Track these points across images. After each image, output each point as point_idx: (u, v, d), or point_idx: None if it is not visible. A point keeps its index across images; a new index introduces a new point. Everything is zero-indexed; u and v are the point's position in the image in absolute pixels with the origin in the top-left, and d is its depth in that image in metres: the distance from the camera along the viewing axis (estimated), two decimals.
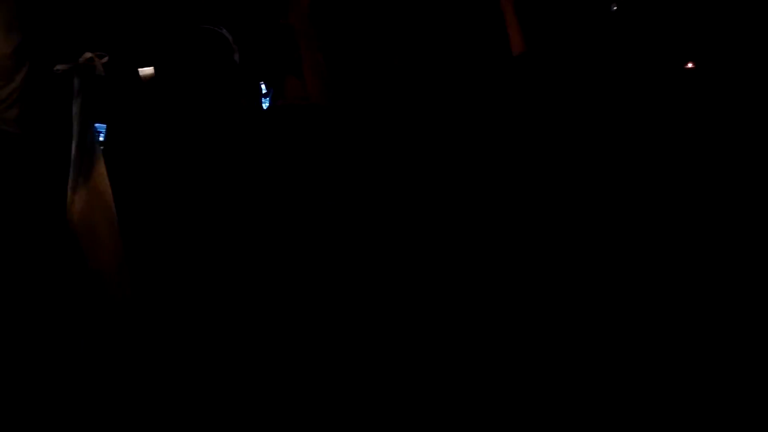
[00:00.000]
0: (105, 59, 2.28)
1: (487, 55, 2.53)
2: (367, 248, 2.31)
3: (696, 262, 2.30)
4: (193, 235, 2.25)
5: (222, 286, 2.21)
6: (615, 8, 2.58)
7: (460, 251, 2.35)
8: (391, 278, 2.29)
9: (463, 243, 2.36)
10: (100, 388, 2.14)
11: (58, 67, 2.27)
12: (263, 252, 2.25)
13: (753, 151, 2.37)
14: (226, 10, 2.53)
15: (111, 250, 2.21)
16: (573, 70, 2.46)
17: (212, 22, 2.42)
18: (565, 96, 2.43)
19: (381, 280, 2.29)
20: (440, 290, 2.31)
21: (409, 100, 2.49)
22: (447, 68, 2.54)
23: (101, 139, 2.40)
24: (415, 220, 2.36)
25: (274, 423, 2.13)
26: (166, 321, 2.18)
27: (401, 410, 2.15)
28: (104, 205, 2.24)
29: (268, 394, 2.16)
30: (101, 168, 2.24)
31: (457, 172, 2.42)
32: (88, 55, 2.27)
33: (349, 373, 2.20)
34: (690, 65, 2.62)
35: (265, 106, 2.58)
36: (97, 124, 2.34)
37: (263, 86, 2.58)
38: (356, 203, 2.35)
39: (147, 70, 2.44)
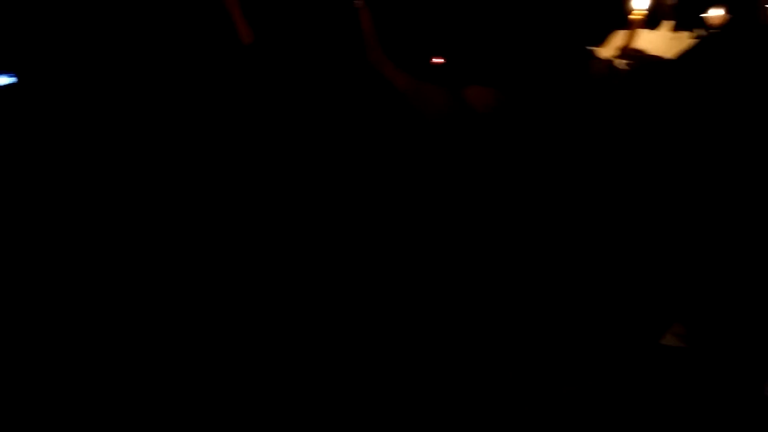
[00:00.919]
0: None
1: (219, 45, 2.77)
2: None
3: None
4: None
5: None
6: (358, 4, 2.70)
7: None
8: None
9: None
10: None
11: None
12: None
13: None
14: None
15: None
16: (306, 60, 2.65)
17: None
18: (301, 82, 2.67)
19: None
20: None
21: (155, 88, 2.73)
22: (186, 59, 2.77)
23: None
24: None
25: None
26: None
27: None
28: None
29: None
30: None
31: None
32: None
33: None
34: (437, 60, 2.71)
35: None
36: None
37: None
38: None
39: None
